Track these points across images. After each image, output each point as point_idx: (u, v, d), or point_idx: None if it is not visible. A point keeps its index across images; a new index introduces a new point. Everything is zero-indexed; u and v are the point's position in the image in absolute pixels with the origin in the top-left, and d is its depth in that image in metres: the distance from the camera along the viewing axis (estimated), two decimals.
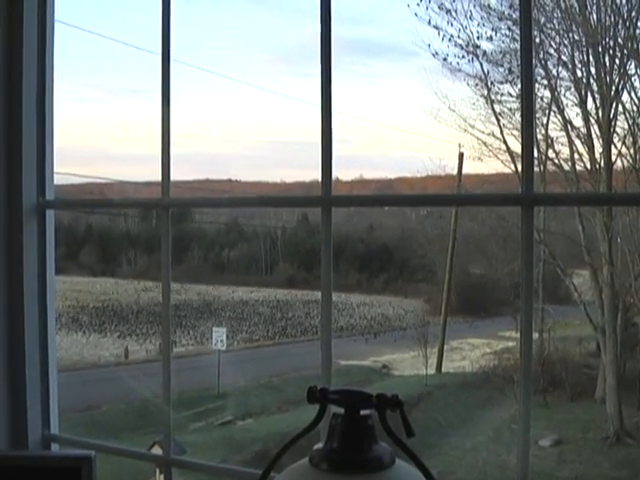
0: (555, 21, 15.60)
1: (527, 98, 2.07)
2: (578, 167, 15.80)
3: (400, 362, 22.60)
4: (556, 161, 16.07)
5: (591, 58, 15.30)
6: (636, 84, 15.17)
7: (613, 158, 15.33)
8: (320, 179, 2.17)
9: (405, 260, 24.65)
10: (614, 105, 15.11)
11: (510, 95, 15.82)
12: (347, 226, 23.50)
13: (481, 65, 16.01)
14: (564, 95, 15.77)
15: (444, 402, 17.68)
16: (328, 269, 2.18)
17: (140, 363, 21.41)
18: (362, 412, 1.47)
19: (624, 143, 15.38)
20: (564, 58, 15.57)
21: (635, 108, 15.23)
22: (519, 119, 14.48)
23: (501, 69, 15.97)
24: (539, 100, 15.51)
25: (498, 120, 16.18)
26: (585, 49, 15.35)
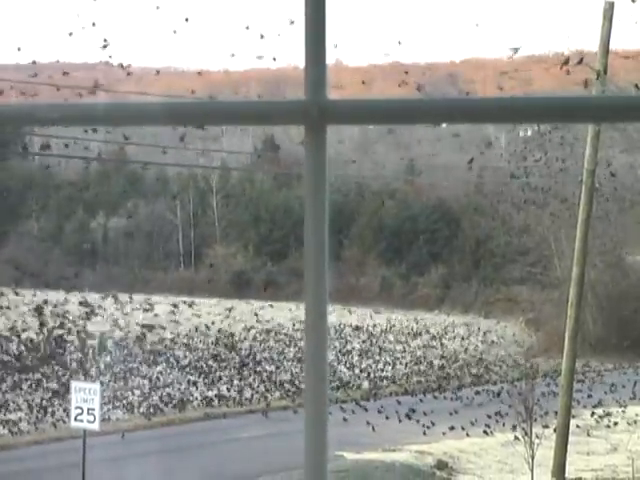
0: None
1: None
2: None
3: (476, 455, 13.96)
4: None
5: None
6: None
7: None
8: (304, 69, 1.54)
9: (485, 241, 15.70)
10: None
11: None
12: (362, 168, 13.14)
13: None
14: None
15: None
16: (320, 258, 1.50)
17: None
18: None
19: None
20: None
21: None
22: None
23: None
24: None
25: None
26: None
